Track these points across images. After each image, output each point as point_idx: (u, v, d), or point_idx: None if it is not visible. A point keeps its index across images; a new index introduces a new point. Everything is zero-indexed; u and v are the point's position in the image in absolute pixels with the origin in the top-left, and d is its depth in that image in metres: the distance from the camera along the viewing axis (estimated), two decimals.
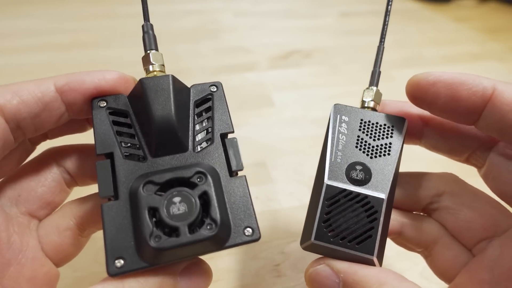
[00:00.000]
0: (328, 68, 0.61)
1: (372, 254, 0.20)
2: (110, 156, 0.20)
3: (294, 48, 0.65)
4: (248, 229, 0.19)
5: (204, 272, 0.20)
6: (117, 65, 0.57)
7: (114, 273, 0.17)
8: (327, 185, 0.21)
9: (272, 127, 0.49)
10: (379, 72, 0.25)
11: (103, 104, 0.21)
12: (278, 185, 0.41)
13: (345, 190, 0.21)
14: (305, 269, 0.21)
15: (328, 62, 0.63)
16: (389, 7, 0.26)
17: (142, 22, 0.25)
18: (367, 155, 0.23)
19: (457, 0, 0.89)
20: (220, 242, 0.18)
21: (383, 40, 0.26)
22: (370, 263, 0.20)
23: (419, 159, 0.33)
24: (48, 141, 0.25)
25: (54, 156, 0.24)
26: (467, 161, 0.25)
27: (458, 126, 0.24)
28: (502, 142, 0.23)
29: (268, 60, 0.62)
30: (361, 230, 0.20)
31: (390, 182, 0.22)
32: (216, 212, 0.18)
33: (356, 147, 0.23)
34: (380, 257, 0.21)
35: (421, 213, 0.26)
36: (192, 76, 0.56)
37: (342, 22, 0.76)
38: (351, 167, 0.22)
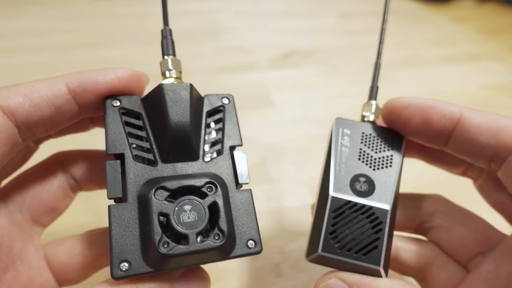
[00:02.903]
0: (328, 68, 0.62)
1: (379, 265, 0.20)
2: (119, 157, 0.20)
3: (294, 48, 0.65)
4: (251, 241, 0.19)
5: (202, 278, 0.20)
6: (117, 65, 0.57)
7: (118, 276, 0.17)
8: (332, 197, 0.22)
9: (272, 127, 0.49)
10: (377, 88, 0.26)
11: (117, 103, 0.21)
12: (278, 185, 0.41)
13: (350, 201, 0.22)
14: (315, 284, 0.21)
15: (328, 62, 0.63)
16: (384, 25, 0.26)
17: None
18: (370, 167, 0.23)
19: (457, 0, 0.89)
20: (225, 252, 0.19)
21: (379, 56, 0.26)
22: (377, 273, 0.20)
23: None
24: (51, 140, 0.24)
25: (60, 161, 0.24)
26: (463, 173, 0.26)
27: None
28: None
29: (268, 60, 0.62)
30: (367, 241, 0.21)
31: (394, 194, 0.22)
32: (224, 223, 0.18)
33: (359, 159, 0.23)
34: (386, 267, 0.21)
35: (414, 234, 0.26)
36: (192, 76, 0.56)
37: (342, 22, 0.76)
38: (355, 179, 0.22)
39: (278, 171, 0.43)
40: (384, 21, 0.26)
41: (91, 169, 0.25)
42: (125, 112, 0.21)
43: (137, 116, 0.21)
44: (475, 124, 0.20)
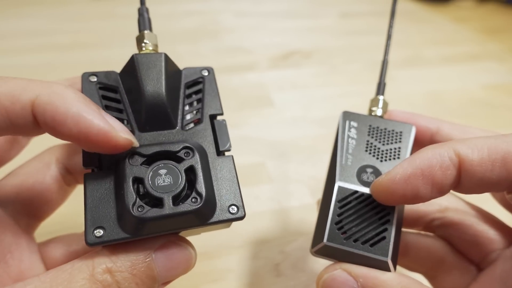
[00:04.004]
0: (328, 68, 0.62)
1: (387, 256, 0.19)
2: None
3: (294, 48, 0.65)
4: (233, 207, 0.19)
5: (184, 249, 0.18)
6: (117, 65, 0.57)
7: (92, 242, 0.17)
8: (339, 187, 0.21)
9: (272, 127, 0.49)
10: (385, 84, 0.26)
11: (94, 79, 0.21)
12: (278, 185, 0.41)
13: (356, 191, 0.21)
14: (318, 275, 0.21)
15: (328, 62, 0.63)
16: (391, 29, 0.26)
17: None
18: (377, 158, 0.23)
19: (457, 0, 0.89)
20: (204, 217, 0.18)
21: (386, 55, 0.26)
22: (384, 266, 0.20)
23: None
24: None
25: (53, 154, 0.24)
26: None
27: None
28: None
29: (268, 60, 0.62)
30: (374, 232, 0.20)
31: None
32: (201, 186, 0.18)
33: (366, 151, 0.23)
34: (394, 261, 0.20)
35: (423, 232, 0.26)
36: None
37: (342, 22, 0.76)
38: (362, 169, 0.22)
39: (278, 171, 0.43)
40: (392, 15, 0.26)
41: None
42: (102, 86, 0.21)
43: (114, 89, 0.21)
44: (476, 163, 0.18)
